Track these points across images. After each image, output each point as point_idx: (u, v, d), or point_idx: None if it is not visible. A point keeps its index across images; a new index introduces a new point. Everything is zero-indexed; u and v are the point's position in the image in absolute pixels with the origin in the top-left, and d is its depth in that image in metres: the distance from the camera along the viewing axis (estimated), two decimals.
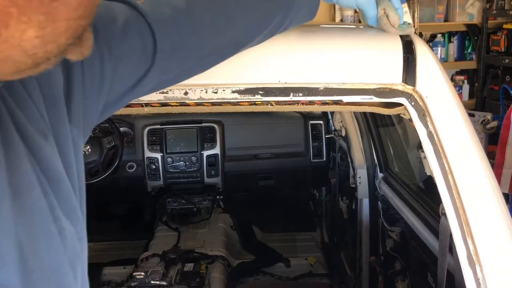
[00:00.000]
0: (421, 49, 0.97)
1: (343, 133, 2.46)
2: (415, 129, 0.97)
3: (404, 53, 0.96)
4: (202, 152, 2.92)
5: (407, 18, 1.00)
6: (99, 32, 0.61)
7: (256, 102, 0.98)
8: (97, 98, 0.64)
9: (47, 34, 0.41)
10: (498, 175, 2.73)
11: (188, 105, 0.98)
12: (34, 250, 0.48)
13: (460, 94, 4.91)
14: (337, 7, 4.71)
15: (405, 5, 1.00)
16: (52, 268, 0.50)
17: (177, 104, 0.98)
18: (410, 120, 0.97)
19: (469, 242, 0.89)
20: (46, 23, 0.40)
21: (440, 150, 0.93)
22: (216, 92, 0.96)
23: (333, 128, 2.82)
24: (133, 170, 2.91)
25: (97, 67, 0.62)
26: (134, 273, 2.35)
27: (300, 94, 0.96)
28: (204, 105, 0.99)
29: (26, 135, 0.51)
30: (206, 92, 0.95)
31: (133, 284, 2.28)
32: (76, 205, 0.56)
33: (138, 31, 0.67)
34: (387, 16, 0.97)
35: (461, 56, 5.04)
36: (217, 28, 0.78)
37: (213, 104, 0.98)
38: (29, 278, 0.46)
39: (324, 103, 0.99)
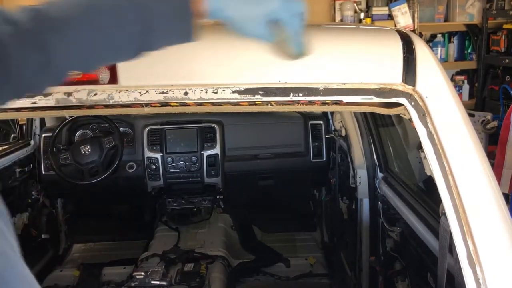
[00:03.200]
0: (421, 49, 0.97)
1: (343, 133, 2.46)
2: (415, 129, 0.97)
3: (404, 53, 0.96)
4: (202, 152, 2.92)
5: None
6: None
7: (256, 102, 0.98)
8: None
9: None
10: (498, 175, 2.73)
11: (188, 105, 0.98)
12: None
13: (460, 94, 4.91)
14: (337, 7, 4.71)
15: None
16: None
17: (177, 104, 0.98)
18: (410, 120, 0.97)
19: (469, 242, 0.89)
20: None
21: (440, 150, 0.93)
22: (216, 92, 0.96)
23: (333, 128, 2.82)
24: (133, 170, 2.91)
25: None
26: (134, 273, 2.35)
27: (300, 94, 0.96)
28: (204, 105, 0.99)
29: None
30: (206, 92, 0.95)
31: (133, 284, 2.28)
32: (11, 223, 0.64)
33: None
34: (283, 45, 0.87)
35: (461, 56, 5.04)
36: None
37: (213, 104, 0.98)
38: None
39: (324, 103, 0.99)
